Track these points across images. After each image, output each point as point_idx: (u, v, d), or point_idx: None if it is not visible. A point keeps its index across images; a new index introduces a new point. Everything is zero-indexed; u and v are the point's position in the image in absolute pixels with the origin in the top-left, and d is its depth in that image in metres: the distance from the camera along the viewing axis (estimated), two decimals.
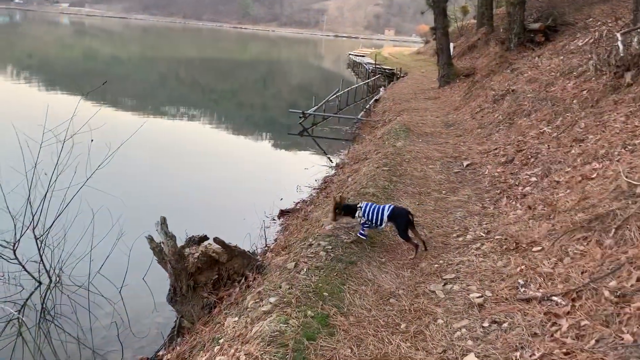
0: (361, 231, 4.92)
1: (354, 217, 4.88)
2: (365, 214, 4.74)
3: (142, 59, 44.30)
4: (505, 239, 4.64)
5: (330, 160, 13.36)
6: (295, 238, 5.99)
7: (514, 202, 5.77)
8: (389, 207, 4.72)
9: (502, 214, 5.52)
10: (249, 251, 5.07)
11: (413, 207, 5.86)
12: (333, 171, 11.31)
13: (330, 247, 4.82)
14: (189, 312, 4.60)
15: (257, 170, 12.14)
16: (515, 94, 10.24)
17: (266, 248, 6.44)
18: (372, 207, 4.76)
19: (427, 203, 6.34)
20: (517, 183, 6.34)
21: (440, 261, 4.62)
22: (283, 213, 8.44)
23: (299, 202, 9.00)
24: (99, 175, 5.89)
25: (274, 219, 8.34)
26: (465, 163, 8.15)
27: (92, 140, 5.88)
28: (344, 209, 4.88)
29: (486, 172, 7.41)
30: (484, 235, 5.00)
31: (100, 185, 6.09)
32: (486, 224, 5.36)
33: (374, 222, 4.74)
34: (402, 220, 4.64)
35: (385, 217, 4.66)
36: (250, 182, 10.90)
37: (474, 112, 12.09)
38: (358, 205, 4.82)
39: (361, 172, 8.32)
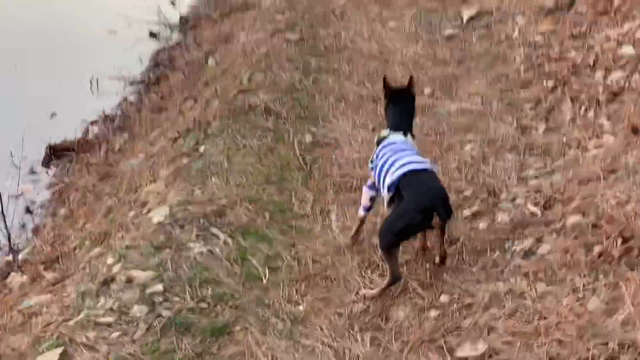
0: (367, 191, 4.98)
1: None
2: (377, 158, 4.87)
3: None
4: (602, 219, 4.10)
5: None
6: (83, 235, 5.61)
7: (591, 114, 5.51)
8: (404, 165, 4.60)
9: (571, 147, 5.24)
10: None
11: (358, 134, 5.99)
12: (174, 36, 11.23)
13: (161, 286, 4.24)
14: None
15: None
16: None
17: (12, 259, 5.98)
18: (388, 149, 4.83)
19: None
20: (593, 60, 6.10)
21: (443, 298, 4.17)
22: (56, 154, 8.30)
23: (95, 122, 8.74)
24: None
25: (33, 172, 8.14)
26: (466, 14, 8.09)
27: None
28: (392, 98, 4.99)
29: (515, 35, 7.28)
30: (538, 212, 4.58)
31: None
32: (538, 174, 5.05)
33: (376, 181, 4.92)
34: (416, 203, 4.47)
35: (385, 184, 4.66)
36: None
37: None
38: (382, 133, 4.98)
39: (237, 47, 8.45)
